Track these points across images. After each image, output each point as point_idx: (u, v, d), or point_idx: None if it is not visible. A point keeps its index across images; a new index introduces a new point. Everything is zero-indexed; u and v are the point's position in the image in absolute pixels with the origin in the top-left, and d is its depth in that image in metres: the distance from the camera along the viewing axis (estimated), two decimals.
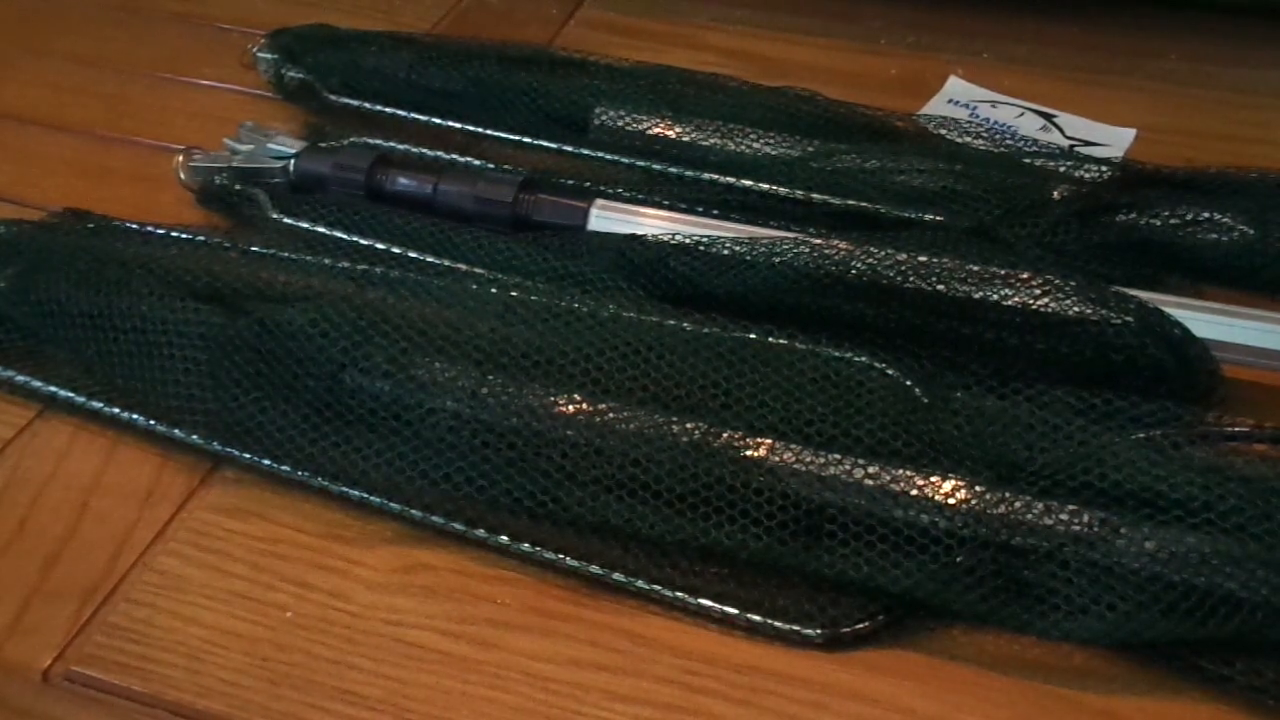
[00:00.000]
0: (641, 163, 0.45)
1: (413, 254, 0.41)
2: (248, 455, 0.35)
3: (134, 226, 0.43)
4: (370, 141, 0.47)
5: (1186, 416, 0.33)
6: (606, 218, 0.42)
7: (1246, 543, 0.29)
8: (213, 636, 0.32)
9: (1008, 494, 0.31)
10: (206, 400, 0.36)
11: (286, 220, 0.43)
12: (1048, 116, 0.53)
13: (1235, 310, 0.37)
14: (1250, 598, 0.29)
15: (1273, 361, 0.36)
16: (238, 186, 0.45)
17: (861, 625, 0.31)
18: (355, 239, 0.42)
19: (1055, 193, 0.42)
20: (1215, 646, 0.29)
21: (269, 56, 0.51)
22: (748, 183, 0.43)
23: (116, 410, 0.37)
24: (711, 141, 0.46)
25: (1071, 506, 0.30)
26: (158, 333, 0.36)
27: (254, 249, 0.41)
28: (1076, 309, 0.35)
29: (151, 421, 0.36)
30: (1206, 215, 0.41)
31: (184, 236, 0.42)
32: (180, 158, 0.46)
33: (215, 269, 0.39)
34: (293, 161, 0.45)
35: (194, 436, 0.36)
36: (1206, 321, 0.35)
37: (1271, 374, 0.36)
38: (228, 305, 0.37)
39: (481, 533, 0.33)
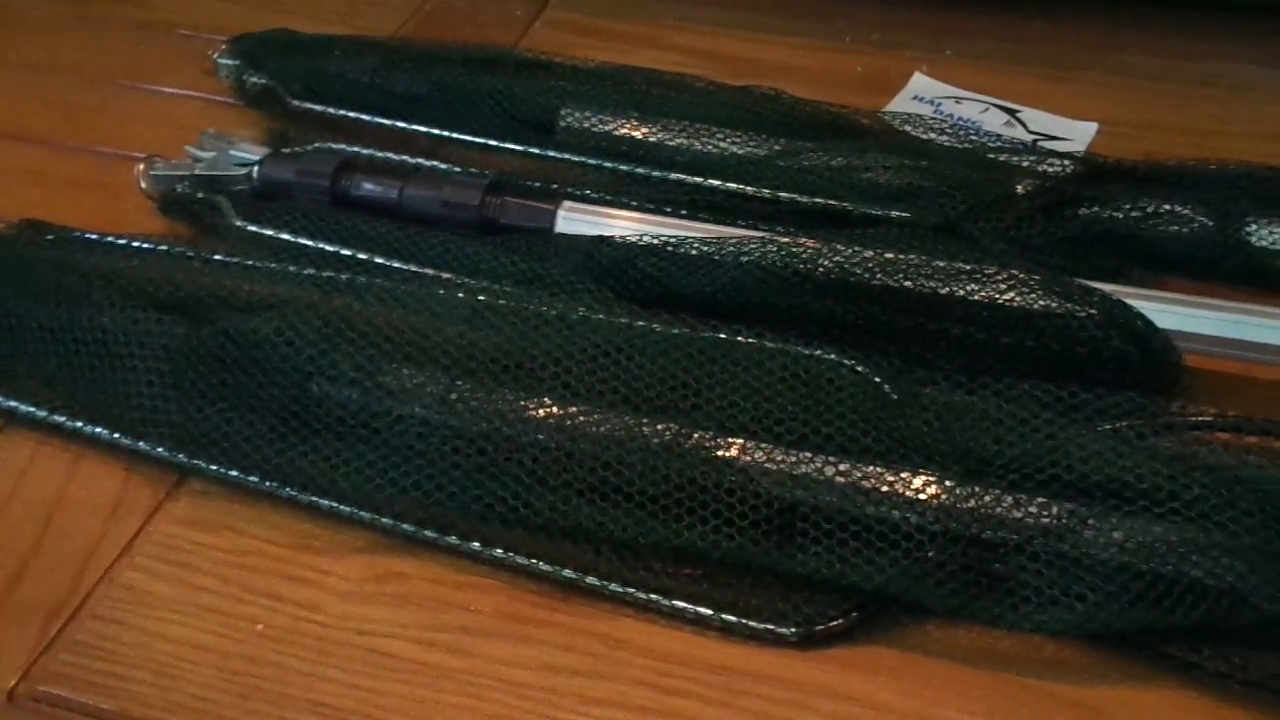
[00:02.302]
0: (609, 164, 0.45)
1: (379, 259, 0.40)
2: (214, 467, 0.35)
3: (94, 237, 0.42)
4: (334, 147, 0.46)
5: (1151, 407, 0.33)
6: (574, 220, 0.42)
7: (1211, 531, 0.29)
8: (182, 651, 0.31)
9: (977, 488, 0.31)
10: (171, 412, 0.35)
11: (250, 228, 0.42)
12: (1011, 112, 0.53)
13: (1196, 301, 0.37)
14: (1216, 584, 0.29)
15: (1234, 350, 0.36)
16: (200, 194, 0.44)
17: (835, 623, 0.31)
18: (320, 245, 0.41)
19: (1019, 187, 0.42)
20: (1183, 633, 0.30)
21: (230, 62, 0.51)
22: (715, 182, 0.43)
23: (79, 424, 0.36)
24: (678, 141, 0.46)
25: (1040, 499, 0.30)
26: (120, 344, 0.36)
27: (217, 257, 0.40)
28: (1041, 303, 0.35)
29: (115, 435, 0.36)
30: (1167, 208, 0.41)
31: (145, 246, 0.41)
32: (141, 166, 0.45)
33: (178, 278, 0.38)
34: (256, 168, 0.45)
35: (159, 449, 0.35)
36: (1169, 312, 0.36)
37: (1233, 363, 0.37)
38: (191, 315, 0.37)
39: (453, 539, 0.33)
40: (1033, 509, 0.30)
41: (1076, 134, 0.51)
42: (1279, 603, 0.29)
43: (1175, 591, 0.29)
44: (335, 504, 0.34)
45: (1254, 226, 0.41)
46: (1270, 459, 0.32)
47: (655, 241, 0.39)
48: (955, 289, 0.36)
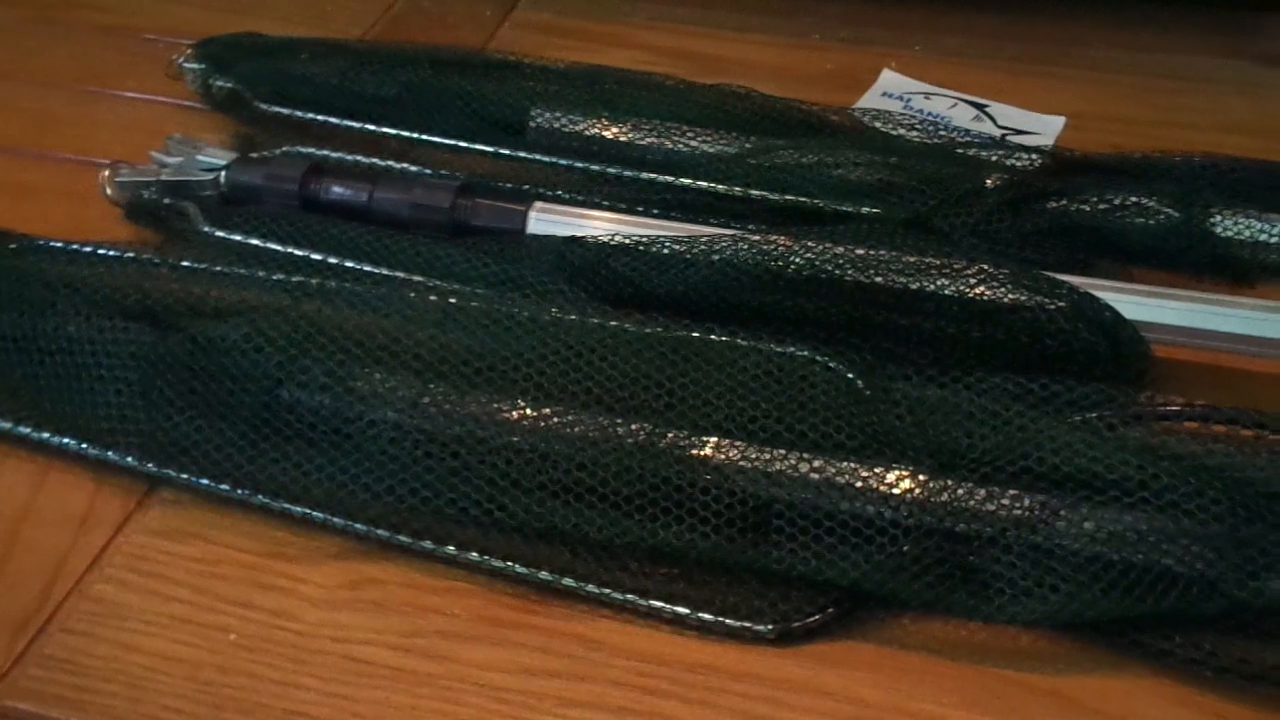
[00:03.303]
0: (580, 164, 0.45)
1: (349, 264, 0.40)
2: (185, 476, 0.34)
3: (59, 245, 0.41)
4: (303, 150, 0.46)
5: (1120, 398, 0.33)
6: (546, 220, 0.41)
7: (1180, 519, 0.30)
8: (154, 663, 0.31)
9: (950, 482, 0.31)
10: (140, 421, 0.35)
11: (218, 233, 0.42)
12: (980, 106, 0.53)
13: (1164, 291, 0.38)
14: (1186, 572, 0.29)
15: (1201, 340, 0.37)
16: (167, 200, 0.44)
17: (812, 619, 0.31)
18: (290, 250, 0.41)
19: (988, 182, 0.42)
20: (1154, 622, 0.30)
21: (196, 67, 0.50)
22: (686, 181, 0.43)
23: (46, 435, 0.36)
24: (649, 141, 0.46)
25: (1012, 491, 0.31)
26: (86, 354, 0.35)
27: (185, 264, 0.40)
28: (1011, 296, 0.35)
29: (83, 445, 0.35)
30: (1134, 199, 0.41)
31: (111, 254, 0.40)
32: (106, 173, 0.45)
33: (145, 286, 0.38)
34: (223, 173, 0.44)
35: (128, 459, 0.35)
36: (1136, 304, 0.36)
37: (1200, 352, 0.37)
38: (158, 323, 0.36)
39: (428, 544, 0.33)
40: (1005, 501, 0.31)
41: (1044, 128, 0.52)
42: (1248, 589, 0.29)
43: (1146, 580, 0.29)
44: (308, 511, 0.34)
45: (1218, 217, 0.41)
46: (1237, 447, 0.32)
47: (627, 241, 0.39)
48: (926, 284, 0.36)
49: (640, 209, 0.43)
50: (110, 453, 0.35)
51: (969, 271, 0.36)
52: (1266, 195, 0.43)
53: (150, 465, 0.35)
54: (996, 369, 0.34)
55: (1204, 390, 0.35)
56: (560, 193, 0.44)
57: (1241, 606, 0.29)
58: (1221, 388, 0.37)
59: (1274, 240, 0.41)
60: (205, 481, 0.34)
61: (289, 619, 0.32)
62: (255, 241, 0.41)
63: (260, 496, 0.34)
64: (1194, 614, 0.30)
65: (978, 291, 0.36)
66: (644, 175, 0.44)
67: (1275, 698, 0.30)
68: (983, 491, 0.31)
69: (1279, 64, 0.58)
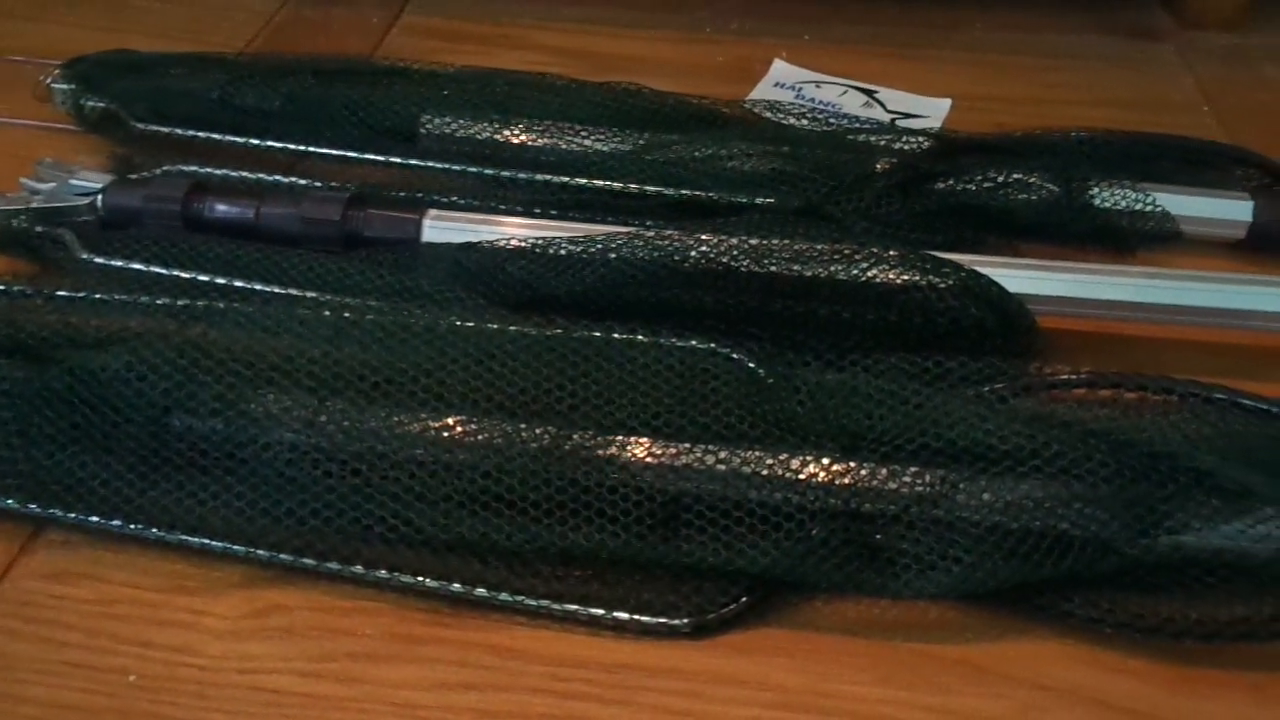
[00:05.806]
0: (473, 169, 0.44)
1: (239, 283, 0.39)
2: (72, 515, 0.33)
3: None
4: (184, 169, 0.44)
5: (1010, 370, 0.34)
6: (440, 228, 0.41)
7: (1072, 484, 0.31)
8: (47, 714, 0.29)
9: (853, 463, 0.31)
10: (18, 461, 0.33)
11: (97, 260, 0.40)
12: (869, 93, 0.54)
13: (1046, 264, 0.39)
14: (1081, 535, 0.30)
15: (1084, 309, 0.38)
16: (40, 228, 0.42)
17: (726, 609, 0.31)
18: (175, 273, 0.39)
19: (878, 166, 0.43)
20: (1054, 585, 0.31)
21: (66, 87, 0.48)
22: (582, 181, 0.43)
23: None
24: (543, 142, 0.45)
25: (913, 468, 0.31)
26: None
27: (61, 294, 0.38)
28: (901, 278, 0.36)
29: None
30: (1017, 176, 0.43)
31: None
32: None
33: (16, 319, 0.36)
34: (100, 196, 0.42)
35: (9, 502, 0.33)
36: (1021, 277, 0.37)
37: (1084, 321, 0.39)
38: (34, 357, 0.35)
39: (334, 565, 0.32)
40: (907, 479, 0.31)
41: (932, 110, 0.53)
42: (1138, 546, 0.30)
43: (1044, 545, 0.30)
44: (206, 541, 0.32)
45: (1096, 190, 0.43)
46: (1122, 411, 0.33)
47: (523, 244, 0.38)
48: (819, 270, 0.36)
49: (537, 211, 0.42)
50: None
51: (859, 256, 0.36)
52: (1141, 166, 0.45)
53: (33, 507, 0.33)
54: (891, 350, 0.35)
55: (1089, 357, 0.36)
56: (454, 199, 0.43)
57: (1134, 564, 0.30)
58: (1105, 354, 0.38)
59: (1150, 209, 0.43)
60: (95, 519, 0.33)
61: (192, 654, 0.31)
62: (137, 266, 0.40)
63: (155, 530, 0.33)
64: (1091, 574, 0.31)
65: (869, 275, 0.36)
66: (539, 177, 0.44)
67: (1170, 648, 0.31)
68: (885, 471, 0.31)
69: (1149, 38, 0.61)
